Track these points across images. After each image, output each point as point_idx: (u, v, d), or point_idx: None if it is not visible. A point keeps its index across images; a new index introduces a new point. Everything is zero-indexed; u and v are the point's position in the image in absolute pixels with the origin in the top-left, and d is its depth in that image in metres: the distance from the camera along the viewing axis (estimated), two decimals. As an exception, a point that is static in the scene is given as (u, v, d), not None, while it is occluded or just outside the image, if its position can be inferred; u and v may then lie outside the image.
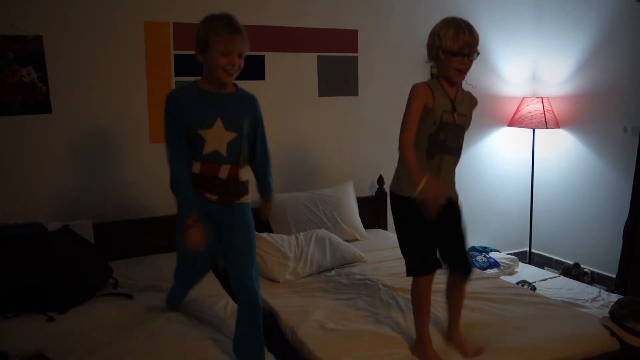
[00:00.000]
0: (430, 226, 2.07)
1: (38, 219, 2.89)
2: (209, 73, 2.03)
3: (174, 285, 2.42)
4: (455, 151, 2.17)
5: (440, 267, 2.18)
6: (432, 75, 4.05)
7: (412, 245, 2.17)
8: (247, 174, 2.16)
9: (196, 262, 2.28)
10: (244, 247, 2.11)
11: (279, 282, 2.83)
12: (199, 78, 2.09)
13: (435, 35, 2.08)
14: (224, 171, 2.07)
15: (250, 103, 2.15)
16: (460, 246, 2.22)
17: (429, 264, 2.14)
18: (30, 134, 2.98)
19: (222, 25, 1.97)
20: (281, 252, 2.95)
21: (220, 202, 2.09)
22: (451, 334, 2.21)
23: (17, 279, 2.40)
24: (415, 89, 2.10)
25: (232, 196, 2.10)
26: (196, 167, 2.05)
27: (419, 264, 2.14)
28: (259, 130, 2.21)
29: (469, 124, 2.21)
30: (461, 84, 2.20)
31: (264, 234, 3.08)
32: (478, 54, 2.08)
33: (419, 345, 2.11)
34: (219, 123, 2.02)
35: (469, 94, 2.24)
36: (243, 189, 2.14)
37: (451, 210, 2.20)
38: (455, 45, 2.02)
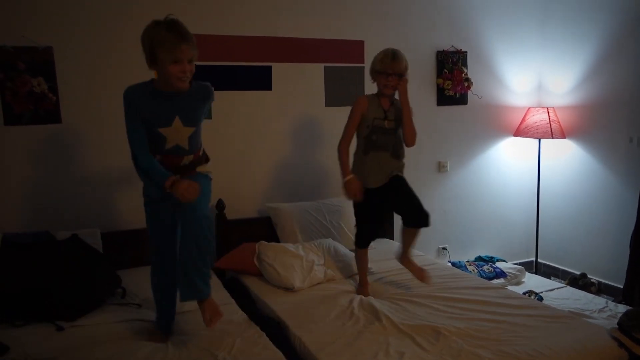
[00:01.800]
0: (368, 211, 2.81)
1: (46, 228, 2.92)
2: (161, 78, 2.05)
3: (156, 300, 2.35)
4: (386, 147, 2.76)
5: (372, 240, 2.89)
6: (437, 85, 4.08)
7: (357, 224, 2.89)
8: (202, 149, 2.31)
9: (164, 249, 2.28)
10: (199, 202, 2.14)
11: (293, 289, 2.83)
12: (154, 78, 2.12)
13: (372, 62, 2.78)
14: (187, 160, 2.21)
15: (204, 93, 2.18)
16: (411, 204, 2.73)
17: (366, 240, 2.87)
18: (40, 144, 3.02)
19: (166, 34, 1.96)
20: (291, 260, 2.95)
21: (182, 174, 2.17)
22: (402, 258, 2.88)
23: (26, 288, 2.42)
24: (356, 101, 2.79)
25: (191, 171, 2.24)
26: (157, 159, 2.15)
27: (359, 240, 2.88)
28: (207, 109, 2.27)
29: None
30: (393, 97, 2.80)
31: (274, 243, 3.09)
32: (401, 76, 2.69)
33: (360, 287, 2.84)
34: (177, 121, 2.10)
35: (400, 106, 2.78)
36: (203, 159, 2.30)
37: (395, 185, 2.77)
38: (379, 66, 2.71)
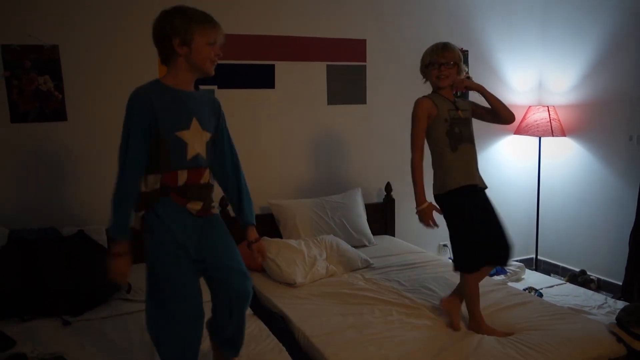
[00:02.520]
0: (476, 216, 2.39)
1: (52, 224, 2.96)
2: (188, 67, 1.82)
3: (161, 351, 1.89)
4: (471, 139, 2.49)
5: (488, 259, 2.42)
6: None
7: (462, 241, 2.43)
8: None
9: (186, 304, 1.87)
10: (232, 245, 1.97)
11: (295, 284, 2.86)
12: (163, 76, 1.88)
13: (422, 57, 2.52)
14: (205, 177, 1.90)
15: (214, 103, 1.99)
16: (503, 235, 2.43)
17: (477, 260, 2.40)
18: (46, 141, 3.05)
19: (202, 16, 1.82)
20: (294, 256, 2.99)
21: (200, 214, 1.87)
22: (473, 325, 2.39)
23: (33, 283, 2.46)
24: (417, 104, 2.47)
25: (210, 203, 1.93)
26: (183, 177, 1.82)
27: (468, 261, 2.41)
28: (226, 138, 2.02)
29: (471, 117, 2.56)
30: (454, 93, 2.55)
31: (277, 239, 3.13)
32: (454, 64, 2.45)
33: (473, 322, 2.38)
34: (195, 122, 1.84)
35: (464, 100, 2.62)
36: (212, 192, 1.97)
37: (485, 200, 2.47)
38: (429, 57, 2.46)
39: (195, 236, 1.88)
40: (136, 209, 1.85)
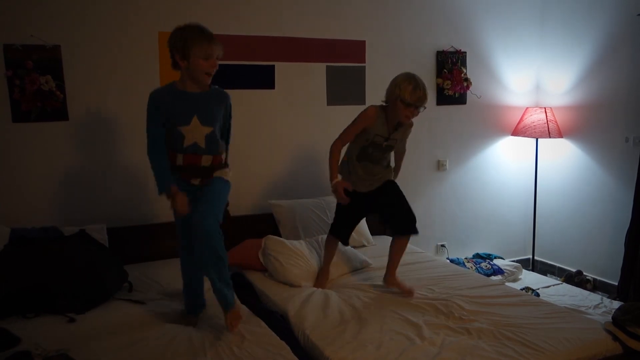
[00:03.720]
0: (351, 210, 2.83)
1: (54, 224, 2.97)
2: (189, 76, 2.25)
3: (185, 283, 2.50)
4: (380, 162, 2.81)
5: (343, 241, 2.96)
6: (437, 85, 4.14)
7: (336, 216, 2.94)
8: (226, 154, 2.48)
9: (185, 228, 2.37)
10: (206, 197, 2.30)
11: (297, 284, 2.89)
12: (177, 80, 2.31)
13: (397, 86, 2.62)
14: (207, 160, 2.35)
15: (222, 99, 2.38)
16: (401, 210, 2.79)
17: (339, 231, 2.93)
18: (47, 140, 3.07)
19: (198, 33, 2.19)
20: (297, 255, 3.02)
21: (201, 183, 2.35)
22: (389, 279, 2.81)
23: (36, 281, 2.48)
24: (366, 110, 2.72)
25: (212, 175, 2.38)
26: (180, 159, 2.31)
27: (334, 228, 2.94)
28: (228, 124, 2.47)
29: (401, 144, 2.90)
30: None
31: (281, 239, 3.15)
32: (424, 108, 2.66)
33: (319, 277, 2.93)
34: (195, 120, 2.26)
35: (408, 129, 2.85)
36: (223, 165, 2.43)
37: (384, 191, 2.82)
38: (410, 98, 2.58)
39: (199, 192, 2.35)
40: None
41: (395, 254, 2.83)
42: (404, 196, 2.83)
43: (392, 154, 2.93)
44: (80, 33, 3.06)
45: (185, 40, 2.18)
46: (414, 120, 2.76)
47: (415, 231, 2.79)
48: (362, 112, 2.74)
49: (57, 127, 3.07)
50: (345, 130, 2.77)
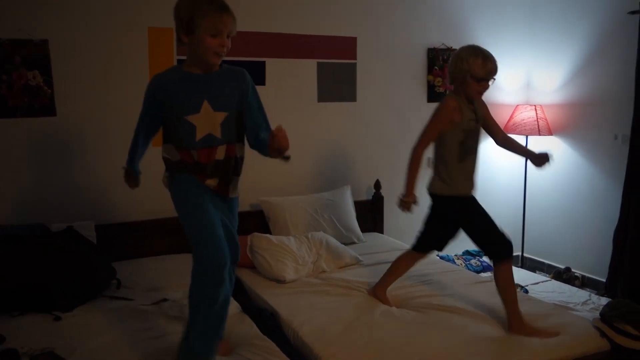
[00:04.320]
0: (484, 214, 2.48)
1: (41, 220, 2.94)
2: (195, 55, 1.89)
3: (194, 313, 1.91)
4: (477, 150, 2.54)
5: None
6: (428, 82, 4.14)
7: (482, 231, 2.47)
8: (242, 149, 2.09)
9: (215, 228, 1.94)
10: (235, 241, 2.14)
11: (285, 281, 2.88)
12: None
13: (464, 60, 2.38)
14: (221, 152, 1.97)
15: (238, 77, 2.01)
16: (495, 231, 2.45)
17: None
18: (34, 136, 3.03)
19: (208, 3, 1.83)
20: (284, 252, 3.01)
21: (217, 191, 1.99)
22: (379, 290, 2.66)
23: (23, 279, 2.45)
24: (445, 102, 2.45)
25: (229, 181, 2.02)
26: (194, 155, 1.93)
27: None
28: (255, 103, 2.07)
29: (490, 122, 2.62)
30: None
31: (267, 235, 3.14)
32: (494, 79, 2.43)
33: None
34: (206, 106, 1.90)
35: (481, 101, 2.56)
36: (238, 167, 2.07)
37: (477, 203, 2.53)
38: (482, 72, 2.35)
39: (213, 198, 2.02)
40: (166, 169, 2.06)
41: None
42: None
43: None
44: (69, 28, 3.03)
45: (192, 11, 1.81)
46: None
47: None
48: (441, 106, 2.45)
49: (44, 123, 3.04)
50: (426, 131, 2.47)
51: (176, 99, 1.90)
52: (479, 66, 2.36)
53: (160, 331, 2.27)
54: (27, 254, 2.55)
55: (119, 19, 3.14)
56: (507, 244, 2.42)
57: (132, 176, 2.14)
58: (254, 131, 2.07)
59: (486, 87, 2.42)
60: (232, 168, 2.02)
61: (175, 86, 1.90)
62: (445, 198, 2.51)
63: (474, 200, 2.53)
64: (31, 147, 3.03)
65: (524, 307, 2.53)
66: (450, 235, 2.64)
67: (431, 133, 2.46)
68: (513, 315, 2.34)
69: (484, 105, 2.57)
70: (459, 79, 2.41)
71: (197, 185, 1.97)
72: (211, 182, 1.98)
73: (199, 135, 1.91)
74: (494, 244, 2.43)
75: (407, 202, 2.52)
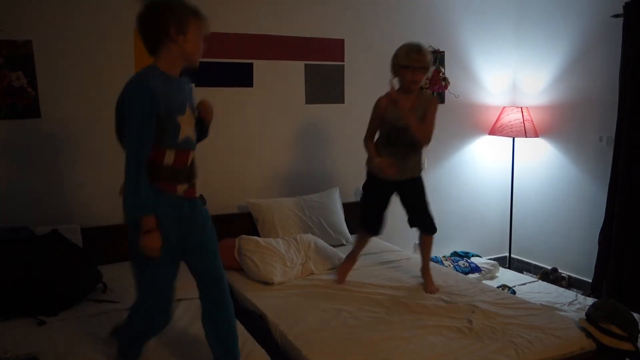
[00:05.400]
0: (377, 199, 2.96)
1: (25, 223, 2.90)
2: (176, 57, 1.88)
3: (126, 335, 2.04)
4: (406, 143, 2.80)
5: (375, 232, 3.03)
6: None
7: (363, 209, 3.04)
8: None
9: (166, 281, 1.96)
10: (214, 246, 2.07)
11: (273, 283, 2.87)
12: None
13: (395, 56, 2.77)
14: (191, 157, 1.97)
15: (188, 82, 2.04)
16: (423, 212, 2.94)
17: (369, 225, 3.02)
18: (18, 138, 2.99)
19: (194, 8, 1.91)
20: (272, 254, 3.00)
21: (187, 195, 1.94)
22: (422, 272, 2.96)
23: (6, 282, 2.41)
24: (376, 103, 2.86)
25: (194, 183, 2.00)
26: (169, 157, 1.87)
27: (363, 223, 3.03)
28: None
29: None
30: (419, 91, 2.86)
31: (255, 237, 3.13)
32: (427, 69, 2.72)
33: (343, 264, 3.02)
34: (188, 108, 1.94)
35: (429, 97, 2.91)
36: (196, 170, 2.04)
37: (413, 186, 2.91)
38: (406, 60, 2.68)
39: (185, 229, 1.95)
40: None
41: (424, 250, 3.01)
42: (426, 199, 2.95)
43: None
44: (53, 28, 2.99)
45: (185, 12, 1.85)
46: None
47: (433, 230, 2.98)
48: (374, 106, 2.87)
49: (28, 124, 3.00)
50: (368, 126, 2.92)
51: (167, 99, 1.85)
52: (402, 55, 2.69)
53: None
54: (11, 257, 2.51)
55: (104, 20, 3.11)
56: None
57: (156, 231, 1.83)
58: None
59: (416, 75, 2.68)
60: (194, 172, 2.01)
61: (163, 86, 1.85)
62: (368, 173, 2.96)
63: (383, 186, 2.88)
64: (15, 149, 2.99)
65: (511, 309, 2.55)
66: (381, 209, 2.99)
67: (371, 127, 2.90)
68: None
69: (429, 104, 2.80)
70: (394, 72, 2.78)
71: (164, 230, 1.85)
72: (181, 188, 1.93)
73: (181, 136, 1.91)
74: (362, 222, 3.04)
75: (379, 160, 2.76)
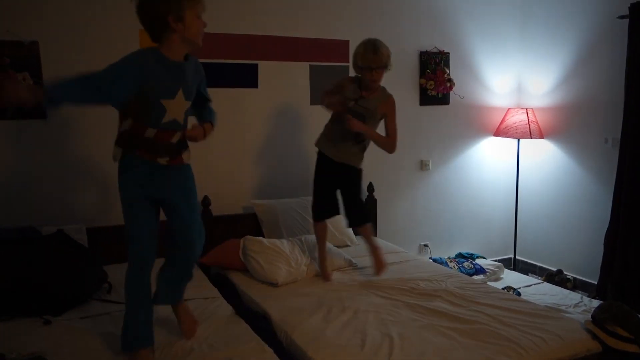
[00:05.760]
0: (324, 182, 2.97)
1: (31, 223, 2.91)
2: (178, 42, 1.96)
3: (129, 307, 2.12)
4: (350, 134, 2.82)
5: (326, 217, 3.01)
6: (420, 85, 4.15)
7: (314, 195, 3.02)
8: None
9: (143, 237, 2.12)
10: (188, 201, 2.18)
11: (277, 284, 2.87)
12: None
13: (354, 55, 2.81)
14: (177, 136, 2.10)
15: (199, 69, 2.16)
16: (351, 204, 2.98)
17: (320, 212, 3.01)
18: (24, 138, 3.00)
19: None
20: (276, 255, 2.99)
21: (170, 163, 2.09)
22: (371, 254, 2.99)
23: (12, 282, 2.42)
24: (344, 77, 3.02)
25: (180, 154, 2.14)
26: (150, 132, 2.02)
27: (314, 211, 3.02)
28: (203, 87, 2.24)
29: (375, 116, 2.86)
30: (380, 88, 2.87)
31: (260, 238, 3.13)
32: (385, 68, 2.76)
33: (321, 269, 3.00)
34: (180, 94, 2.02)
35: (386, 95, 2.89)
36: (187, 144, 2.19)
37: (347, 179, 2.95)
38: (362, 61, 2.72)
39: (160, 181, 2.10)
40: (116, 143, 2.11)
41: (366, 238, 3.02)
42: (359, 191, 3.00)
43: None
44: (59, 29, 3.01)
45: (177, 0, 1.91)
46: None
47: (361, 223, 2.99)
48: (342, 77, 2.98)
49: (34, 124, 3.01)
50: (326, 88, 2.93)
51: (155, 80, 1.95)
52: (359, 56, 2.73)
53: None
54: (16, 257, 2.52)
55: (110, 21, 3.12)
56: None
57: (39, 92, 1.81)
58: (200, 109, 2.27)
59: (374, 74, 2.72)
60: (182, 147, 2.15)
61: (156, 67, 1.95)
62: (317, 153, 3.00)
63: (329, 163, 2.91)
64: (21, 149, 3.00)
65: (516, 310, 2.54)
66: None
67: (328, 88, 2.92)
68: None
69: (386, 102, 2.85)
70: (355, 69, 2.83)
71: (138, 177, 2.08)
72: (162, 160, 2.08)
73: (166, 119, 2.02)
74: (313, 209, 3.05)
75: (331, 101, 2.78)
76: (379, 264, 2.98)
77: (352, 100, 2.81)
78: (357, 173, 2.98)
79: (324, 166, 2.96)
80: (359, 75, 2.85)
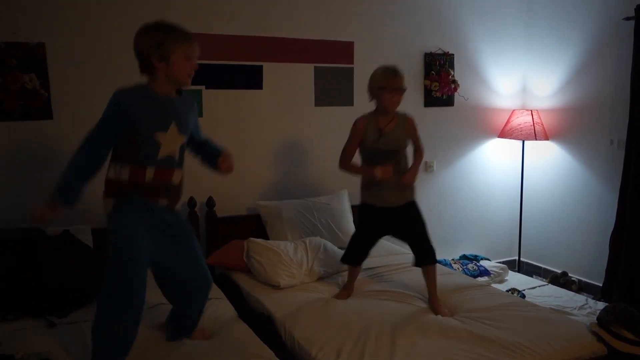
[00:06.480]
0: (367, 232, 2.85)
1: (36, 224, 2.92)
2: (164, 79, 2.00)
3: (117, 343, 1.99)
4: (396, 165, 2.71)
5: (357, 264, 2.87)
6: (425, 87, 4.15)
7: (352, 247, 2.90)
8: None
9: (140, 269, 2.00)
10: (196, 245, 2.22)
11: (279, 286, 2.87)
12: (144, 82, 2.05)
13: (371, 78, 2.75)
14: (177, 176, 2.09)
15: (193, 103, 2.18)
16: (420, 240, 2.80)
17: (354, 258, 2.88)
18: (31, 140, 3.02)
19: (178, 32, 1.98)
20: (279, 257, 2.99)
21: (169, 206, 2.11)
22: (430, 300, 2.70)
23: (17, 283, 2.43)
24: (355, 124, 2.78)
25: (177, 200, 2.16)
26: (149, 174, 2.00)
27: (348, 256, 2.91)
28: (196, 122, 2.25)
29: (405, 143, 2.79)
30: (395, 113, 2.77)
31: (261, 240, 3.13)
32: (403, 89, 2.69)
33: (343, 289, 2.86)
34: (173, 127, 2.02)
35: (406, 117, 2.79)
36: (181, 193, 2.18)
37: (410, 210, 2.79)
38: (383, 81, 2.66)
39: (166, 219, 2.09)
40: (106, 194, 2.07)
41: (428, 279, 2.77)
42: (425, 225, 2.83)
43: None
44: (66, 31, 3.02)
45: (164, 40, 1.94)
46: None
47: (434, 261, 2.80)
48: (352, 127, 2.78)
49: (41, 126, 3.03)
50: (344, 150, 2.82)
51: (145, 115, 1.97)
52: (379, 77, 2.69)
53: (154, 336, 2.26)
54: (22, 258, 2.53)
55: (116, 23, 3.13)
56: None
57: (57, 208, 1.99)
58: (196, 142, 2.27)
59: (394, 96, 2.67)
60: (179, 192, 2.16)
61: (145, 103, 1.98)
62: (360, 205, 2.88)
63: (380, 216, 2.77)
64: (28, 150, 3.02)
65: (521, 312, 2.54)
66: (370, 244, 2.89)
67: (348, 151, 2.80)
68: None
69: (407, 126, 2.77)
70: (372, 93, 2.74)
71: (141, 213, 2.02)
72: (163, 201, 2.08)
73: (161, 155, 2.01)
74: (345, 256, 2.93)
75: (383, 170, 2.64)
76: (439, 308, 2.65)
77: (377, 142, 2.70)
78: (415, 206, 2.82)
79: (373, 218, 2.79)
80: (373, 100, 2.76)
